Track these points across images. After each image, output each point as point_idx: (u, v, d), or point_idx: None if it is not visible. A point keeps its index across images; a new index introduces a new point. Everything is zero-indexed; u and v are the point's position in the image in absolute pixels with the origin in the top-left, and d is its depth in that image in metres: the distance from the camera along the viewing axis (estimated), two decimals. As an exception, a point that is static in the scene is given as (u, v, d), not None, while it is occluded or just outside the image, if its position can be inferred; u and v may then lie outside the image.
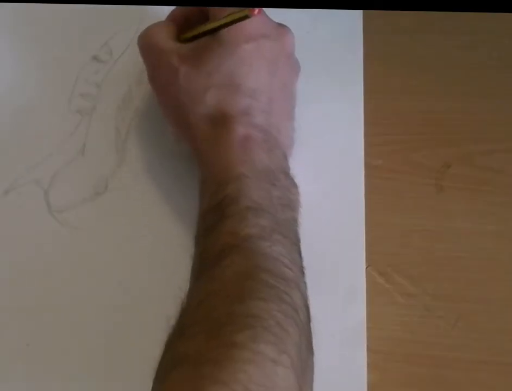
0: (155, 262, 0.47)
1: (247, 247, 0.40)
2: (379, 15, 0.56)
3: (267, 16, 0.46)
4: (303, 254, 0.44)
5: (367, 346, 0.44)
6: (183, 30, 0.47)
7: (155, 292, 0.46)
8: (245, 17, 0.42)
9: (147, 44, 0.47)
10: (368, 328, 0.44)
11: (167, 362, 0.36)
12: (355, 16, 0.55)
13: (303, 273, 0.41)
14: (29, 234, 0.48)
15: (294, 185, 0.45)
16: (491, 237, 0.48)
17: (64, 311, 0.46)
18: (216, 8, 0.45)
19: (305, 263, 0.45)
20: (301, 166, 0.50)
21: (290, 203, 0.44)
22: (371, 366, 0.43)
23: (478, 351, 0.44)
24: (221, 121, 0.44)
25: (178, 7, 0.49)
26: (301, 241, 0.45)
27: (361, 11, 0.55)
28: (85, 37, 0.55)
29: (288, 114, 0.47)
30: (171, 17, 0.49)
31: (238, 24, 0.43)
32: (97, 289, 0.46)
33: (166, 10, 0.56)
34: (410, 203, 0.49)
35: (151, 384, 0.36)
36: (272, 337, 0.35)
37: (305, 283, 0.41)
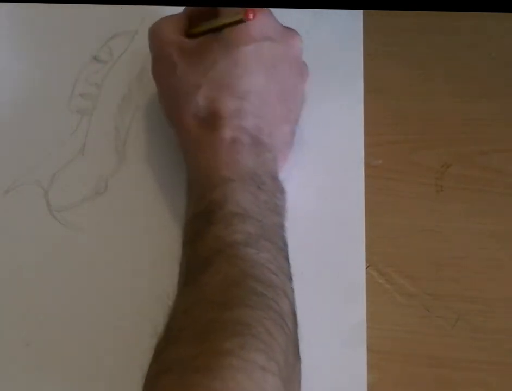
0: (155, 262, 0.47)
1: (233, 254, 0.39)
2: (379, 15, 0.56)
3: (273, 18, 0.46)
4: (303, 254, 0.44)
5: (367, 346, 0.44)
6: (196, 25, 0.47)
7: (156, 291, 0.46)
8: (241, 21, 0.42)
9: (153, 34, 0.47)
10: (368, 328, 0.44)
11: (155, 369, 0.36)
12: (355, 16, 0.55)
13: (290, 279, 0.41)
14: (29, 234, 0.48)
15: (281, 190, 0.44)
16: (491, 237, 0.48)
17: (65, 311, 0.46)
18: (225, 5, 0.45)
19: (305, 263, 0.45)
20: (301, 167, 0.50)
21: (276, 209, 0.43)
22: (371, 366, 0.43)
23: (478, 351, 0.44)
24: (210, 121, 0.44)
25: None
26: (302, 241, 0.45)
27: (361, 11, 0.56)
28: (85, 37, 0.55)
29: (284, 118, 0.46)
30: (186, 11, 0.49)
31: (242, 24, 0.43)
32: (97, 289, 0.46)
33: (167, 10, 0.56)
34: (410, 203, 0.49)
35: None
36: (261, 344, 0.35)
37: (292, 289, 0.40)
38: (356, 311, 0.45)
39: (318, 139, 0.51)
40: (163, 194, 0.49)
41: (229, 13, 0.44)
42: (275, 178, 0.44)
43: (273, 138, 0.45)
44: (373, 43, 0.54)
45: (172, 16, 0.48)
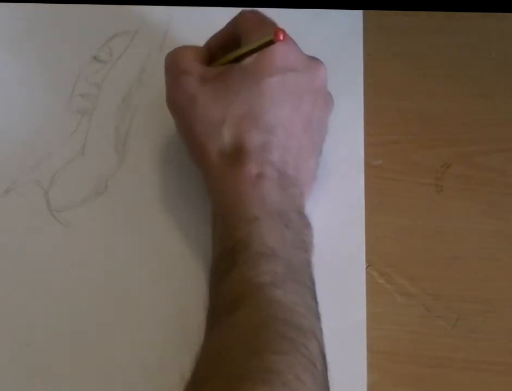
0: (155, 262, 0.47)
1: (260, 297, 0.38)
2: (379, 15, 0.56)
3: (297, 47, 0.44)
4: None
5: (367, 346, 0.44)
6: (218, 58, 0.46)
7: (155, 290, 0.46)
8: (271, 42, 0.40)
9: (171, 61, 0.46)
10: (368, 328, 0.44)
11: None
12: (355, 16, 0.55)
13: (318, 319, 0.39)
14: (29, 234, 0.48)
15: (308, 225, 0.43)
16: (491, 237, 0.48)
17: (65, 311, 0.46)
18: (248, 35, 0.43)
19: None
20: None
21: (303, 245, 0.42)
22: (371, 366, 0.43)
23: (478, 351, 0.44)
24: (235, 156, 0.43)
25: (213, 36, 0.47)
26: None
27: (361, 11, 0.56)
28: (85, 37, 0.55)
29: (310, 150, 0.45)
30: (206, 45, 0.47)
31: (265, 55, 0.42)
32: (97, 289, 0.46)
33: (168, 10, 0.56)
34: (410, 203, 0.49)
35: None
36: None
37: (320, 329, 0.39)
38: (356, 312, 0.45)
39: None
40: (163, 194, 0.49)
41: (253, 39, 0.42)
42: (301, 214, 0.43)
43: (299, 171, 0.44)
44: (373, 43, 0.54)
45: (190, 45, 0.46)
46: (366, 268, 0.46)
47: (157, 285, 0.46)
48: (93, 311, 0.46)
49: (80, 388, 0.44)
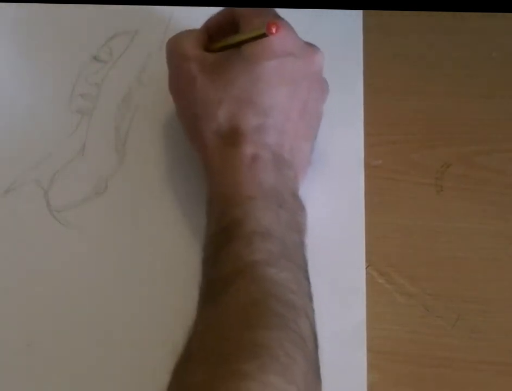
0: (155, 261, 0.47)
1: (254, 274, 0.39)
2: (379, 15, 0.56)
3: (294, 33, 0.45)
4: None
5: (367, 346, 0.44)
6: (215, 40, 0.47)
7: (155, 290, 0.46)
8: (263, 35, 0.41)
9: (172, 49, 0.47)
10: (368, 328, 0.44)
11: None
12: (355, 16, 0.55)
13: (310, 299, 0.40)
14: (29, 234, 0.48)
15: (302, 207, 0.44)
16: (491, 237, 0.48)
17: (65, 311, 0.46)
18: (246, 20, 0.44)
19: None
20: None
21: (297, 226, 0.43)
22: (371, 366, 0.43)
23: (478, 351, 0.44)
24: (231, 138, 0.43)
25: (212, 16, 0.48)
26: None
27: (361, 11, 0.56)
28: (85, 37, 0.55)
29: (305, 135, 0.46)
30: (205, 26, 0.48)
31: (263, 40, 0.42)
32: (97, 289, 0.46)
33: (168, 10, 0.56)
34: (410, 203, 0.49)
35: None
36: (280, 367, 0.34)
37: (312, 309, 0.40)
38: (356, 312, 0.45)
39: (318, 139, 0.51)
40: (162, 194, 0.49)
41: (250, 28, 0.43)
42: (295, 196, 0.44)
43: (294, 155, 0.45)
44: (373, 43, 0.54)
45: (190, 30, 0.47)
46: (366, 268, 0.46)
47: (157, 285, 0.47)
48: (93, 311, 0.46)
49: (80, 388, 0.44)
